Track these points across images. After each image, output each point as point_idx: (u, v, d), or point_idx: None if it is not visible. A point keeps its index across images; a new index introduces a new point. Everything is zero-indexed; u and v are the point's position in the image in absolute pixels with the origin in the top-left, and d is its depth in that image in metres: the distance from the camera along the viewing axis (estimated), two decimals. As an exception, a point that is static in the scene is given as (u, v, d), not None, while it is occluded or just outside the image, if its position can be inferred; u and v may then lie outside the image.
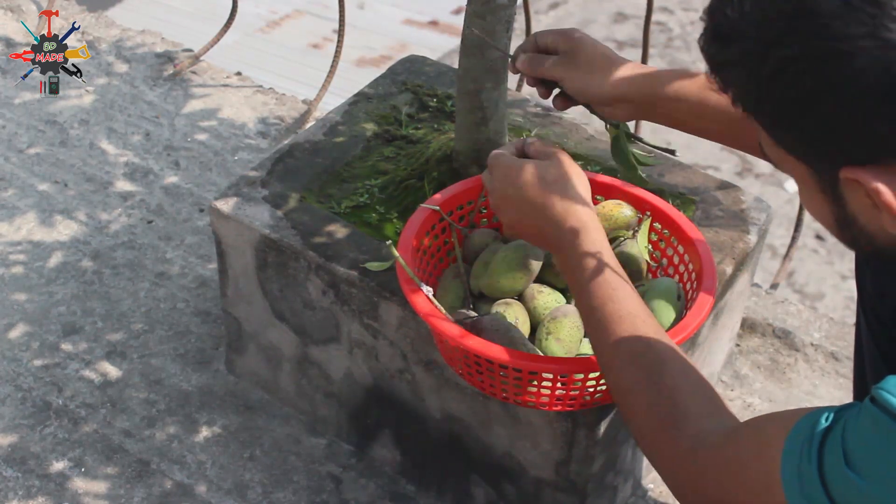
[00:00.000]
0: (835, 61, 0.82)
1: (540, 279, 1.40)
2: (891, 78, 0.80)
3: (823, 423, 0.89)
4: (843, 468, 0.86)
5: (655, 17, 4.87)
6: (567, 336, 1.31)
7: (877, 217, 0.88)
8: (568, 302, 1.40)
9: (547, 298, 1.38)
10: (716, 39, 0.89)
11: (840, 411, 0.90)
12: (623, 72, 1.31)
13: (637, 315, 1.13)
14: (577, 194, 1.18)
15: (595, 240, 1.16)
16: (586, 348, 1.34)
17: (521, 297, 1.39)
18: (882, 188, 0.85)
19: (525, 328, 1.35)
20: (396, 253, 1.28)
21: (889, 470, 0.84)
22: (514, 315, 1.34)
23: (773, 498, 0.93)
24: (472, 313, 1.35)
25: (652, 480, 1.67)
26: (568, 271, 1.18)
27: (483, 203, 1.45)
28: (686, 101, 1.30)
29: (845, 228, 0.94)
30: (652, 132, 4.64)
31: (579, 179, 1.20)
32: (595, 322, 1.14)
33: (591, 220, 1.18)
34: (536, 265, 1.37)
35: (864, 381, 1.26)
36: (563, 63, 1.32)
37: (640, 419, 1.10)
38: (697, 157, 4.50)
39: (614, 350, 1.12)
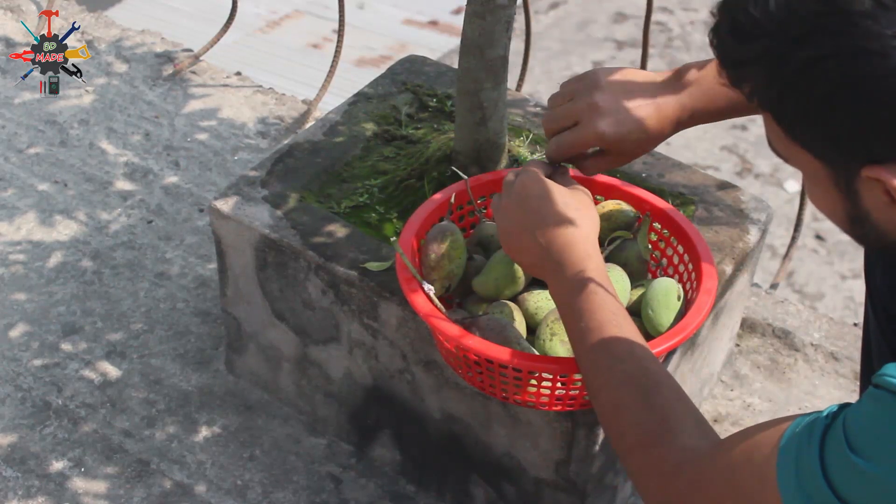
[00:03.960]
0: (866, 60, 0.82)
1: (537, 282, 1.40)
2: None
3: (823, 420, 0.88)
4: (846, 454, 0.84)
5: (655, 17, 4.86)
6: None
7: (891, 214, 0.88)
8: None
9: (538, 297, 1.37)
10: (734, 36, 0.89)
11: (840, 407, 0.89)
12: (656, 112, 1.25)
13: (630, 337, 1.12)
14: (576, 216, 1.18)
15: (584, 257, 1.15)
16: None
17: (514, 298, 1.39)
18: None
19: (521, 328, 1.35)
20: (400, 248, 1.28)
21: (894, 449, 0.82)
22: (511, 315, 1.34)
23: (766, 500, 0.91)
24: (468, 313, 1.35)
25: (652, 480, 1.67)
26: (556, 289, 1.17)
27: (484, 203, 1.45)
28: (720, 111, 1.28)
29: (857, 224, 0.94)
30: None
31: (587, 211, 1.20)
32: (585, 342, 1.12)
33: (582, 240, 1.17)
34: (528, 275, 1.36)
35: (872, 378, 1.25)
36: (604, 155, 1.29)
37: (629, 436, 1.07)
38: (697, 157, 4.50)
39: (608, 369, 1.10)
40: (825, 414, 0.89)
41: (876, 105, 0.83)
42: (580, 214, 1.19)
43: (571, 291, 1.14)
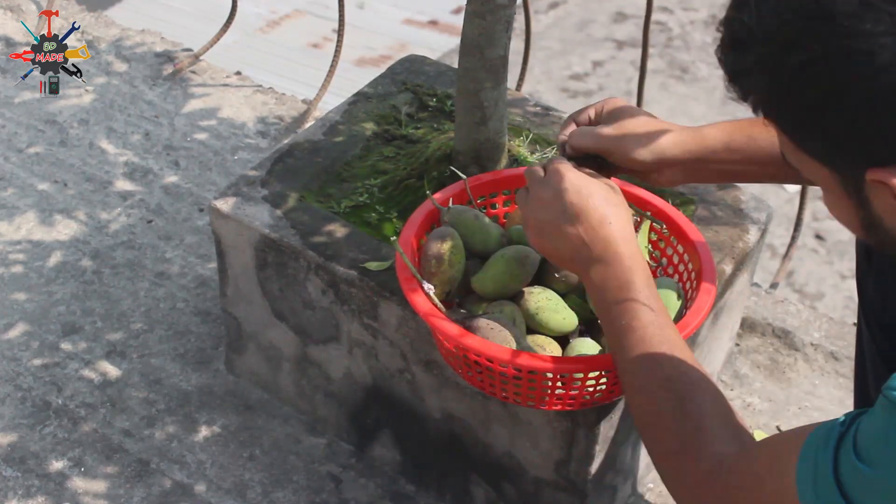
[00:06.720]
0: (855, 60, 0.81)
1: (537, 282, 1.39)
2: None
3: (839, 427, 0.89)
4: (854, 461, 0.86)
5: (655, 16, 4.85)
6: None
7: None
8: (563, 297, 1.38)
9: (538, 297, 1.36)
10: (733, 47, 0.89)
11: (856, 416, 0.90)
12: (669, 137, 1.26)
13: (672, 338, 1.11)
14: (615, 212, 1.16)
15: (627, 255, 1.14)
16: (583, 348, 1.34)
17: (514, 298, 1.38)
18: None
19: (521, 328, 1.35)
20: (400, 248, 1.28)
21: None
22: (511, 315, 1.34)
23: None
24: (465, 311, 1.35)
25: (652, 480, 1.67)
26: (596, 285, 1.15)
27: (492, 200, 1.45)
28: (738, 151, 1.27)
29: (872, 231, 0.93)
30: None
31: (624, 209, 1.18)
32: (625, 341, 1.12)
33: (623, 238, 1.15)
34: (527, 274, 1.36)
35: (866, 385, 1.25)
36: (607, 136, 1.27)
37: (662, 443, 1.08)
38: (697, 157, 4.48)
39: (648, 372, 1.10)
40: (841, 420, 0.90)
41: (868, 104, 0.82)
42: (618, 211, 1.16)
43: (614, 288, 1.13)
